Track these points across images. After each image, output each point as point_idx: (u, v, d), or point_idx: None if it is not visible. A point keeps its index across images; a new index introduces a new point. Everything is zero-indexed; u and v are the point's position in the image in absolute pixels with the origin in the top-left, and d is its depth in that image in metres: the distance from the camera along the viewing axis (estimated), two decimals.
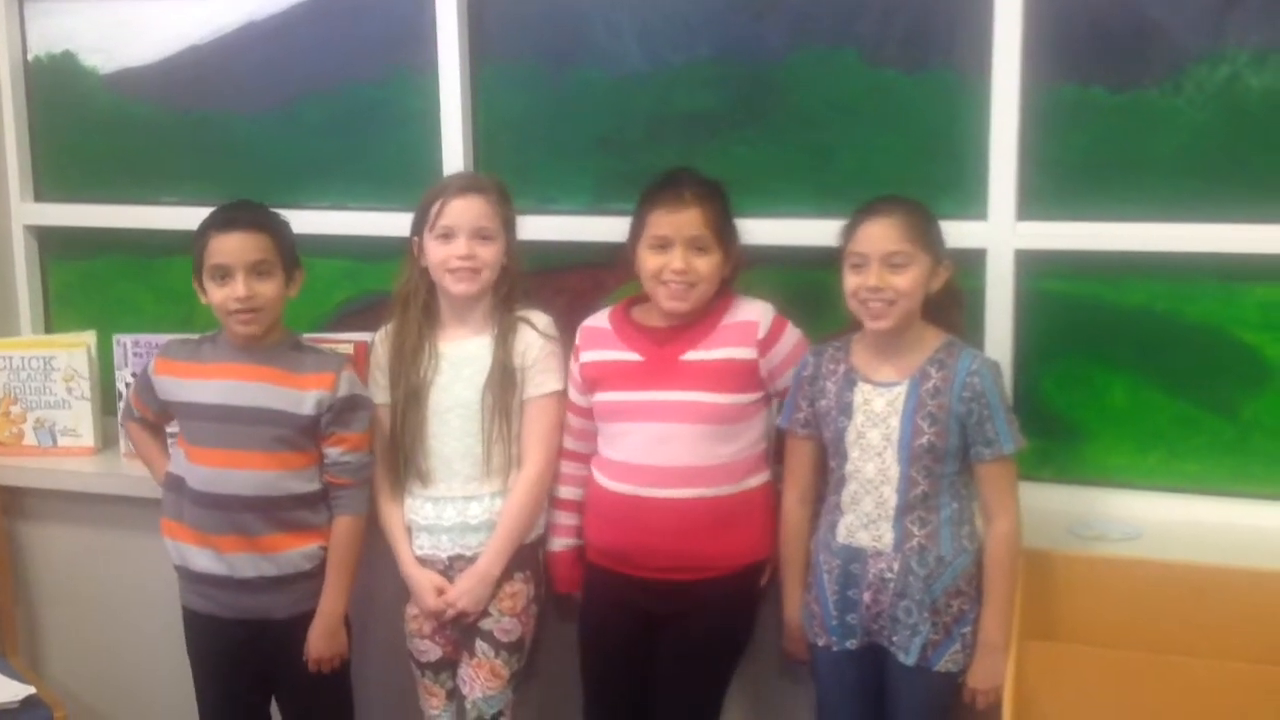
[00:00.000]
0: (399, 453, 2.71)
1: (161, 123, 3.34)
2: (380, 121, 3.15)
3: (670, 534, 2.56)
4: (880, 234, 2.40)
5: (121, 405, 3.08)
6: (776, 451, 2.65)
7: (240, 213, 2.69)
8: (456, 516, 2.68)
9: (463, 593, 2.65)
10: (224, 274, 2.63)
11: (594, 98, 2.98)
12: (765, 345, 2.57)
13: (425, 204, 2.68)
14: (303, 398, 2.67)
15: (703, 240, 2.53)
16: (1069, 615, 2.47)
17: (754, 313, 2.59)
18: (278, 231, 2.70)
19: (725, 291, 2.63)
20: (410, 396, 2.69)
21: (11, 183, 3.46)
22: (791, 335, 2.60)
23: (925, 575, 2.41)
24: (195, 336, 2.82)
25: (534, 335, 2.69)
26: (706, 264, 2.54)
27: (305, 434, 2.69)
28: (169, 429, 2.90)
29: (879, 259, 2.39)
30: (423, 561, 2.71)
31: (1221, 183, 2.60)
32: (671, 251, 2.54)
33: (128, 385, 3.02)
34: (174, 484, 2.75)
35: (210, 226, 2.66)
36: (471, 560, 2.67)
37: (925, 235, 2.40)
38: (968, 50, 2.70)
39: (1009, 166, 2.67)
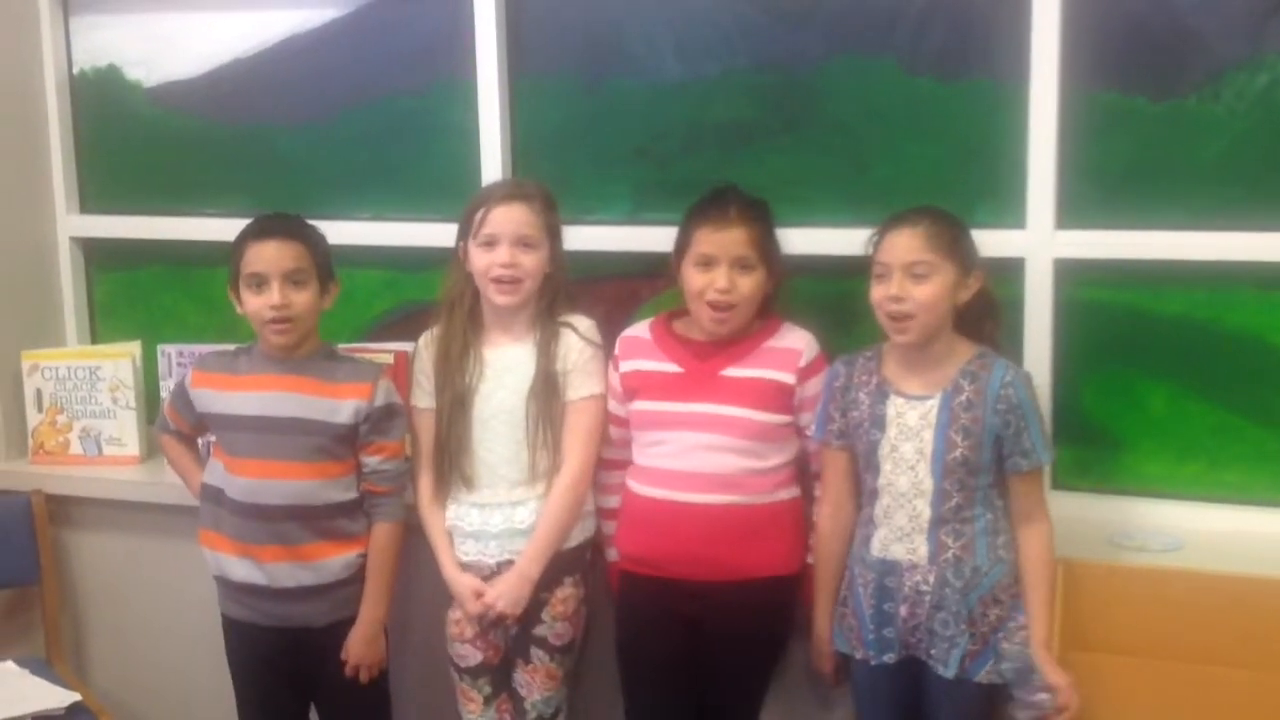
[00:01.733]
0: (444, 458, 2.72)
1: (204, 135, 3.38)
2: (420, 133, 3.17)
3: (700, 539, 2.57)
4: (903, 244, 2.39)
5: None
6: (804, 472, 2.67)
7: (276, 222, 2.72)
8: (504, 522, 2.69)
9: (500, 595, 2.66)
10: (260, 282, 2.65)
11: (631, 108, 2.99)
12: (805, 374, 2.59)
13: (470, 210, 2.70)
14: (339, 407, 2.69)
15: (747, 259, 2.55)
16: (1110, 626, 2.46)
17: (799, 341, 2.61)
18: (313, 242, 2.72)
19: (770, 313, 2.65)
20: (456, 402, 2.70)
21: (57, 195, 3.50)
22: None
23: (961, 587, 2.40)
24: (231, 349, 2.85)
25: (575, 339, 2.70)
26: (749, 283, 2.56)
27: (343, 443, 2.71)
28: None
29: (901, 268, 2.38)
30: (470, 567, 2.72)
31: (1262, 190, 2.59)
32: (716, 270, 2.55)
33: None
34: (212, 495, 2.78)
35: (247, 235, 2.69)
36: None
37: (951, 246, 2.39)
38: (1006, 59, 2.69)
39: (1048, 175, 2.67)
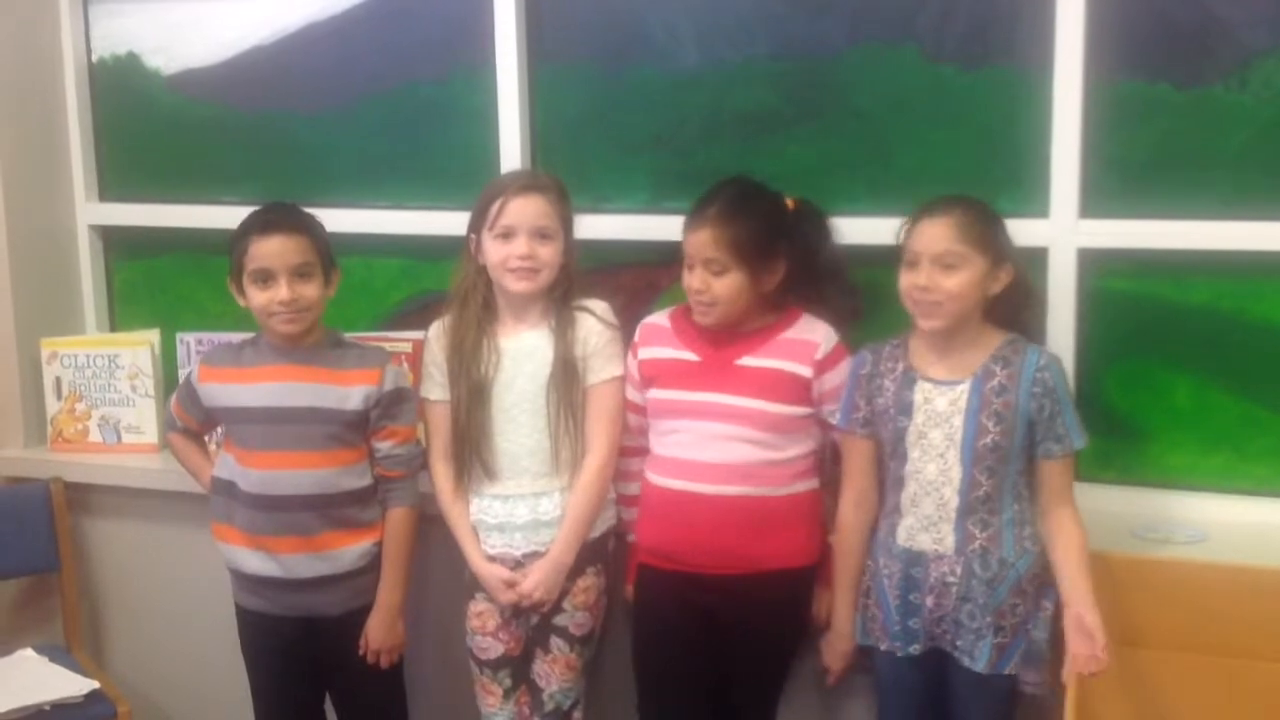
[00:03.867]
0: (465, 450, 2.71)
1: (223, 123, 3.38)
2: (439, 121, 3.16)
3: (717, 530, 2.57)
4: (935, 233, 2.38)
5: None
6: (824, 464, 2.66)
7: (279, 215, 2.71)
8: (529, 514, 2.69)
9: (538, 584, 2.65)
10: (266, 277, 2.64)
11: (651, 97, 2.98)
12: (821, 366, 2.57)
13: (484, 202, 2.68)
14: (349, 394, 2.69)
15: (715, 262, 2.53)
16: (1133, 619, 2.44)
17: (816, 334, 2.59)
18: (316, 233, 2.72)
19: (790, 305, 2.63)
20: (473, 394, 2.69)
21: (76, 183, 3.50)
22: (848, 366, 2.58)
23: (989, 578, 2.38)
24: (235, 342, 2.84)
25: (594, 322, 2.69)
26: (723, 285, 2.53)
27: (354, 429, 2.71)
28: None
29: (931, 258, 2.37)
30: (495, 560, 2.71)
31: None
32: (694, 271, 2.56)
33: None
34: (223, 488, 2.77)
35: (250, 230, 2.67)
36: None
37: (983, 237, 2.37)
38: (1029, 46, 2.67)
39: (1071, 164, 2.65)
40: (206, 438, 3.01)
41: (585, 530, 2.67)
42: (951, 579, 2.40)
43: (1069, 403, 2.38)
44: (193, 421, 2.89)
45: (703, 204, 2.57)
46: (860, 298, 2.68)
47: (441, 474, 2.75)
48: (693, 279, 2.55)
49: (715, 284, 2.54)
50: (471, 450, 2.70)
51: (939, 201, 2.42)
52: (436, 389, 2.75)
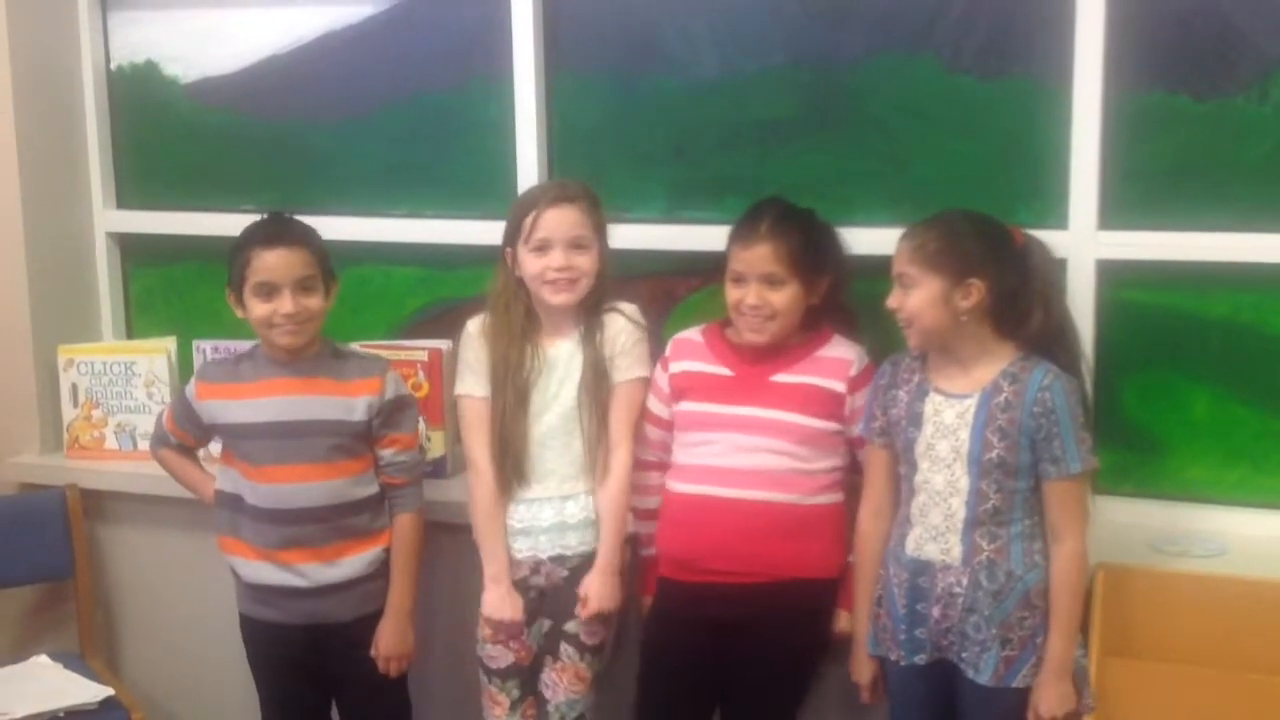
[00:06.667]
0: (507, 458, 2.68)
1: (241, 131, 3.39)
2: (456, 130, 3.17)
3: (739, 534, 2.56)
4: (897, 255, 2.41)
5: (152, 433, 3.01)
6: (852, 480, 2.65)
7: (281, 228, 2.70)
8: (554, 517, 2.68)
9: (601, 596, 2.65)
10: (270, 290, 2.63)
11: (668, 106, 2.98)
12: (855, 383, 2.59)
13: (517, 215, 2.67)
14: (354, 404, 2.70)
15: (775, 275, 2.55)
16: (1150, 632, 2.43)
17: (850, 352, 2.62)
18: (316, 245, 2.71)
19: (823, 325, 2.65)
20: (518, 400, 2.67)
21: (94, 190, 3.51)
22: None
23: (995, 591, 2.37)
24: (230, 356, 2.85)
25: (624, 321, 2.70)
26: (781, 297, 2.55)
27: (360, 439, 2.72)
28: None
29: (895, 278, 2.42)
30: (521, 564, 2.70)
31: None
32: (747, 285, 2.56)
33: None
34: (229, 502, 2.77)
35: (251, 243, 2.65)
36: (570, 559, 2.69)
37: (933, 259, 2.36)
38: (1048, 57, 2.67)
39: (1090, 175, 2.64)
40: (201, 452, 3.00)
41: (624, 527, 2.68)
42: (958, 590, 2.39)
43: (1071, 426, 2.34)
44: (189, 438, 2.89)
45: (750, 221, 2.59)
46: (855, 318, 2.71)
47: (484, 478, 2.70)
48: (748, 294, 2.56)
49: (773, 298, 2.55)
50: (512, 461, 2.68)
51: (917, 222, 2.42)
52: (478, 385, 2.72)
